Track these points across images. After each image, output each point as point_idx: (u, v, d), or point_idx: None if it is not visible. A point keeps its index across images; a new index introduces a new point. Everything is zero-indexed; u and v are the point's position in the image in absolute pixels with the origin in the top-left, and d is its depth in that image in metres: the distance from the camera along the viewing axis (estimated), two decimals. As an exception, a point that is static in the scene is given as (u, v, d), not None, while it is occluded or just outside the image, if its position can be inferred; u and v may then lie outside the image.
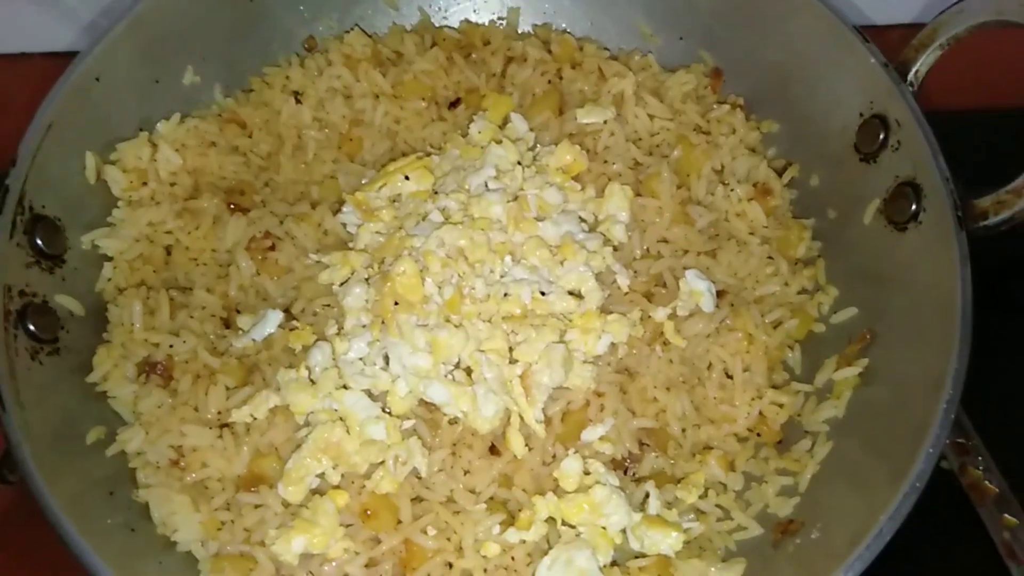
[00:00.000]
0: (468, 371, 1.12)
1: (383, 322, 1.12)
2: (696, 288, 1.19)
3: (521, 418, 1.10)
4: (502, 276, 1.16)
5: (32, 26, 1.59)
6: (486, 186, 1.23)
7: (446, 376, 1.11)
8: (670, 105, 1.34)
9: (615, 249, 1.23)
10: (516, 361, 1.12)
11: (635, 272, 1.22)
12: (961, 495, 1.14)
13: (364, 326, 1.14)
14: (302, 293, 1.19)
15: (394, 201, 1.26)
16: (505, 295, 1.14)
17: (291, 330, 1.15)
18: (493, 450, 1.09)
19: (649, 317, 1.18)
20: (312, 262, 1.21)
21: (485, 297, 1.14)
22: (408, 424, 1.09)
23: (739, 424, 1.17)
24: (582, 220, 1.25)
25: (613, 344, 1.16)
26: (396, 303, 1.11)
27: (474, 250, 1.16)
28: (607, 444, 1.11)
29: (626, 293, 1.20)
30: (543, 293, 1.15)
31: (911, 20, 1.66)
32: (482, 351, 1.11)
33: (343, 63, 1.37)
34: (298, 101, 1.35)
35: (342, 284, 1.18)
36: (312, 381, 1.10)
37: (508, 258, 1.18)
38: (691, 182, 1.28)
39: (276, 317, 1.16)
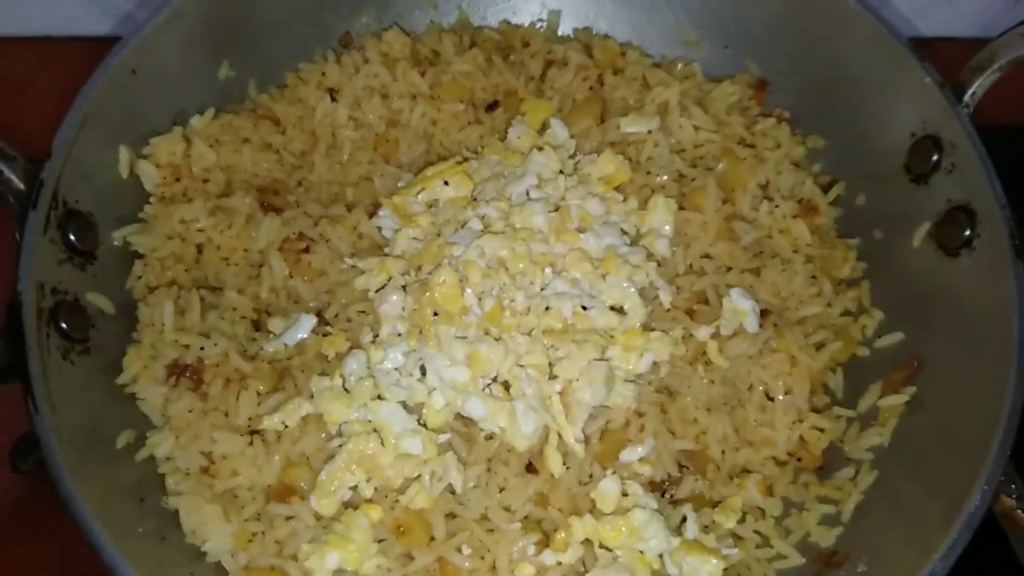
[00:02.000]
0: (506, 385, 1.09)
1: (420, 332, 1.10)
2: (741, 307, 1.16)
3: (559, 436, 1.07)
4: (543, 288, 1.14)
5: (54, 9, 1.56)
6: (527, 195, 1.20)
7: (484, 390, 1.08)
8: (714, 116, 1.31)
9: (658, 264, 1.20)
10: (556, 377, 1.09)
11: (678, 288, 1.19)
12: (994, 525, 1.11)
13: (400, 335, 1.11)
14: (336, 298, 1.17)
15: (431, 207, 1.23)
16: (547, 308, 1.11)
17: (324, 336, 1.13)
18: (530, 468, 1.07)
19: (691, 335, 1.15)
20: (347, 266, 1.19)
21: (525, 310, 1.11)
22: (444, 438, 1.07)
23: (779, 448, 1.14)
24: (624, 232, 1.22)
25: (655, 363, 1.13)
26: (435, 314, 1.08)
27: (515, 261, 1.13)
28: (646, 466, 1.09)
29: (668, 310, 1.17)
30: (584, 308, 1.12)
31: (959, 34, 1.64)
32: (522, 366, 1.08)
33: (380, 61, 1.34)
34: (333, 99, 1.32)
35: (378, 291, 1.16)
36: (346, 390, 1.08)
37: (549, 270, 1.15)
38: (736, 197, 1.25)
39: (309, 322, 1.13)
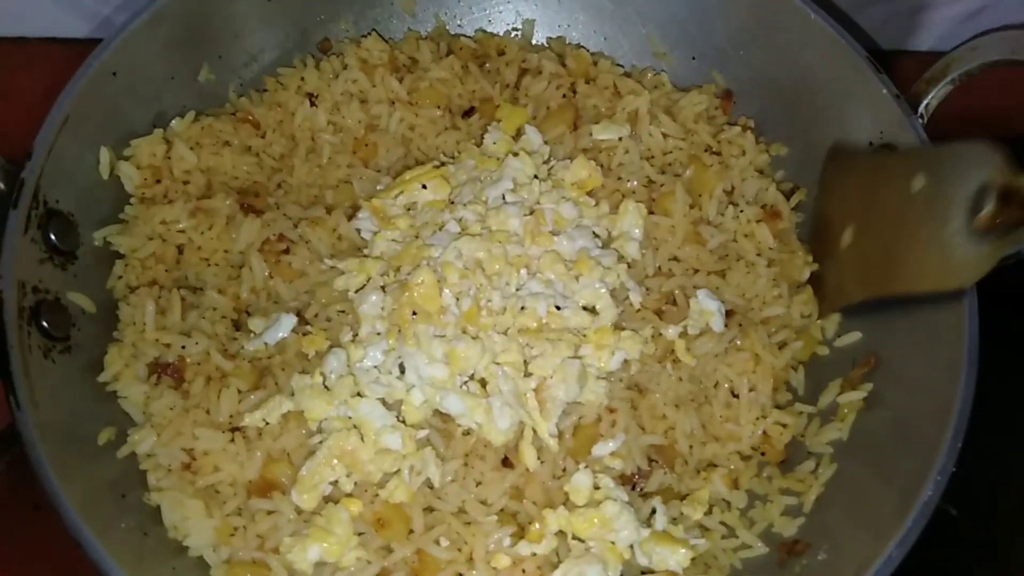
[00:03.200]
0: (483, 383, 1.12)
1: (399, 331, 1.12)
2: (707, 308, 1.21)
3: (534, 431, 1.11)
4: (518, 289, 1.17)
5: (29, 10, 1.56)
6: (503, 199, 1.24)
7: (462, 387, 1.11)
8: (682, 125, 1.36)
9: (628, 266, 1.24)
10: (531, 375, 1.12)
11: (647, 289, 1.24)
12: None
13: (379, 334, 1.14)
14: (316, 298, 1.19)
15: (409, 209, 1.26)
16: (522, 308, 1.15)
17: (304, 335, 1.15)
18: (506, 462, 1.10)
19: (660, 335, 1.20)
20: (327, 267, 1.21)
21: (501, 310, 1.14)
22: (422, 434, 1.09)
23: (743, 443, 1.18)
24: (596, 236, 1.26)
25: (626, 360, 1.17)
26: (414, 313, 1.11)
27: (491, 262, 1.16)
28: (617, 460, 1.13)
29: (638, 310, 1.21)
30: (558, 307, 1.16)
31: (918, 48, 1.70)
32: (498, 363, 1.11)
33: (359, 67, 1.37)
34: (313, 104, 1.34)
35: (357, 291, 1.18)
36: (327, 388, 1.10)
37: (524, 271, 1.19)
38: (703, 202, 1.30)
39: (289, 321, 1.15)
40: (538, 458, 1.10)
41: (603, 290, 1.19)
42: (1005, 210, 0.93)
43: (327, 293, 1.19)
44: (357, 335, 1.15)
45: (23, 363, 0.98)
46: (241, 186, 1.28)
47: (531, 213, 1.22)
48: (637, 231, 1.26)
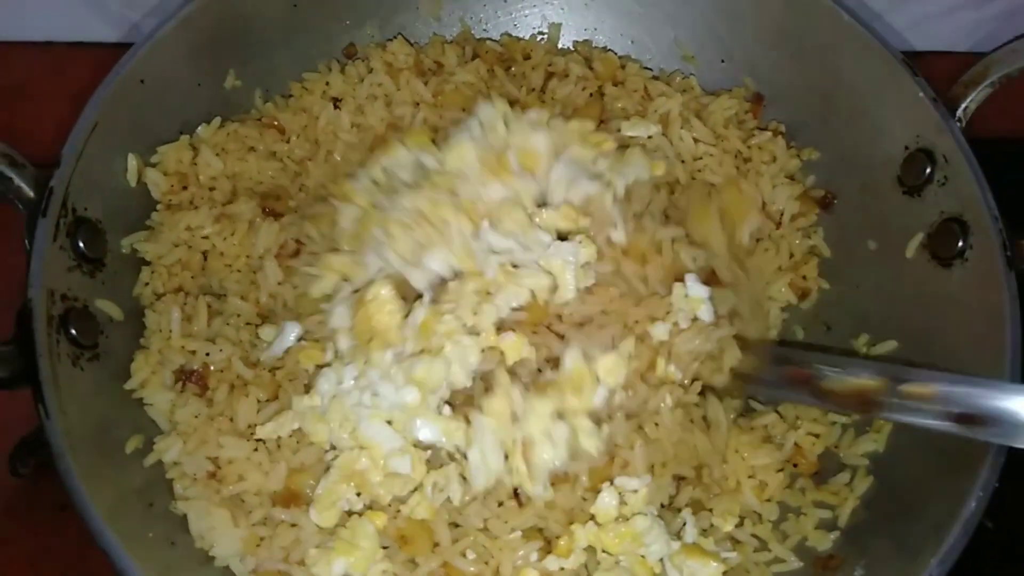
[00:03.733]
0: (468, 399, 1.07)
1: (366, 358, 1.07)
2: (695, 295, 1.11)
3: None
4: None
5: (55, 14, 1.57)
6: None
7: (437, 408, 1.06)
8: (712, 129, 1.34)
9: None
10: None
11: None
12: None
13: (348, 359, 1.08)
14: (301, 307, 1.17)
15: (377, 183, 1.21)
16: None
17: (301, 349, 1.11)
18: (517, 495, 1.06)
19: (645, 339, 1.10)
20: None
21: (454, 277, 1.07)
22: (430, 453, 1.06)
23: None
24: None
25: (610, 391, 1.08)
26: (371, 339, 1.06)
27: (436, 211, 1.08)
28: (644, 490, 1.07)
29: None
30: (515, 266, 1.08)
31: (952, 49, 1.67)
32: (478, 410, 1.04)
33: (384, 71, 1.36)
34: (336, 107, 1.33)
35: (329, 298, 1.13)
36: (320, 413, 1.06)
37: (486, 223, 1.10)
38: (736, 228, 1.27)
39: (294, 329, 1.12)
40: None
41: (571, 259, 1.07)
42: None
43: (307, 303, 1.15)
44: (337, 352, 1.10)
45: (52, 371, 0.97)
46: (264, 191, 1.27)
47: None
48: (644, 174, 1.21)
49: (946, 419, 0.98)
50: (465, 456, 1.05)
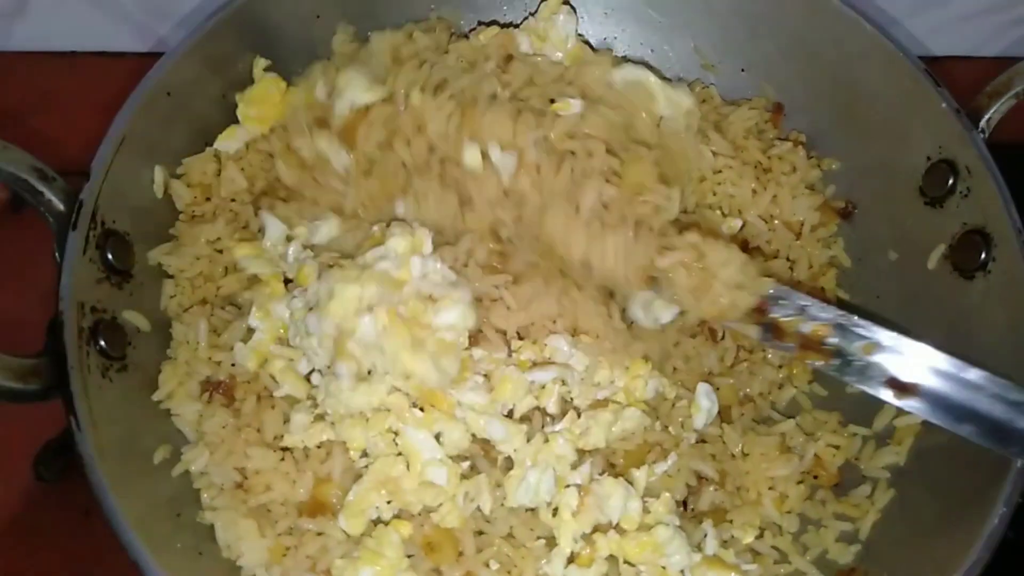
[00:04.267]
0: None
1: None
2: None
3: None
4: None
5: (82, 25, 1.59)
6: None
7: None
8: (732, 141, 1.33)
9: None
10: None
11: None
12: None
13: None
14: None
15: None
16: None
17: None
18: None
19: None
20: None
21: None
22: (466, 465, 1.08)
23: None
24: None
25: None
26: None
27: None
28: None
29: None
30: None
31: (972, 54, 1.66)
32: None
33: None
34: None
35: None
36: (366, 417, 1.08)
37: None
38: None
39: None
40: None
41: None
42: None
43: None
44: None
45: (83, 383, 0.99)
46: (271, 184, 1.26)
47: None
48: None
49: (880, 384, 1.03)
50: (509, 467, 1.07)
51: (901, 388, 1.04)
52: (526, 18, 1.43)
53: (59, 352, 0.99)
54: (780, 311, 1.10)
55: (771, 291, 1.10)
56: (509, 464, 1.09)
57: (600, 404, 1.12)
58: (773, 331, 1.10)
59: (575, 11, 1.39)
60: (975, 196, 1.16)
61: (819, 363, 1.09)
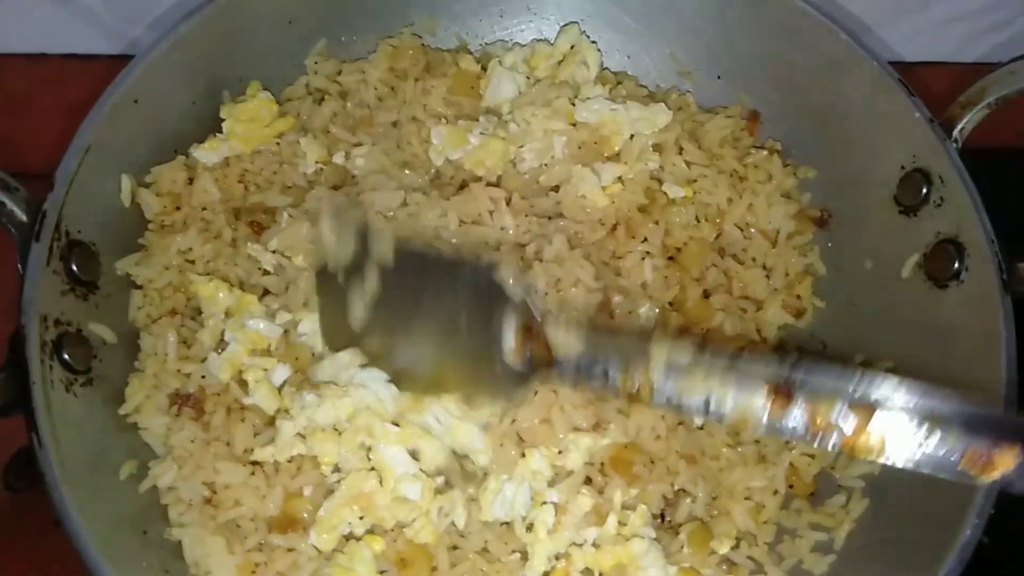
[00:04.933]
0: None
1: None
2: None
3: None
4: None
5: (50, 27, 1.56)
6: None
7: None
8: (708, 150, 1.33)
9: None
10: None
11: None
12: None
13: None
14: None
15: None
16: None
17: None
18: None
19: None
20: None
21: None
22: (440, 480, 1.07)
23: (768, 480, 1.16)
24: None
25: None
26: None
27: None
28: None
29: None
30: None
31: (943, 59, 1.67)
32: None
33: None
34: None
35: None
36: (338, 431, 1.06)
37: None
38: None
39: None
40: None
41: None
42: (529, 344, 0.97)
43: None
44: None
45: (46, 399, 0.97)
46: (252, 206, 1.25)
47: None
48: None
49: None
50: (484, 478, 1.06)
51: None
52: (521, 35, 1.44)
53: (21, 367, 0.96)
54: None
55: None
56: (484, 477, 1.08)
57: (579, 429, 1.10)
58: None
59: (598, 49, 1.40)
60: (948, 206, 1.16)
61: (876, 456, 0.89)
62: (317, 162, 1.28)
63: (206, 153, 1.26)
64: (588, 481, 1.09)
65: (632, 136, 1.29)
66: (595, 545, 1.06)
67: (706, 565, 1.09)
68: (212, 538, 1.01)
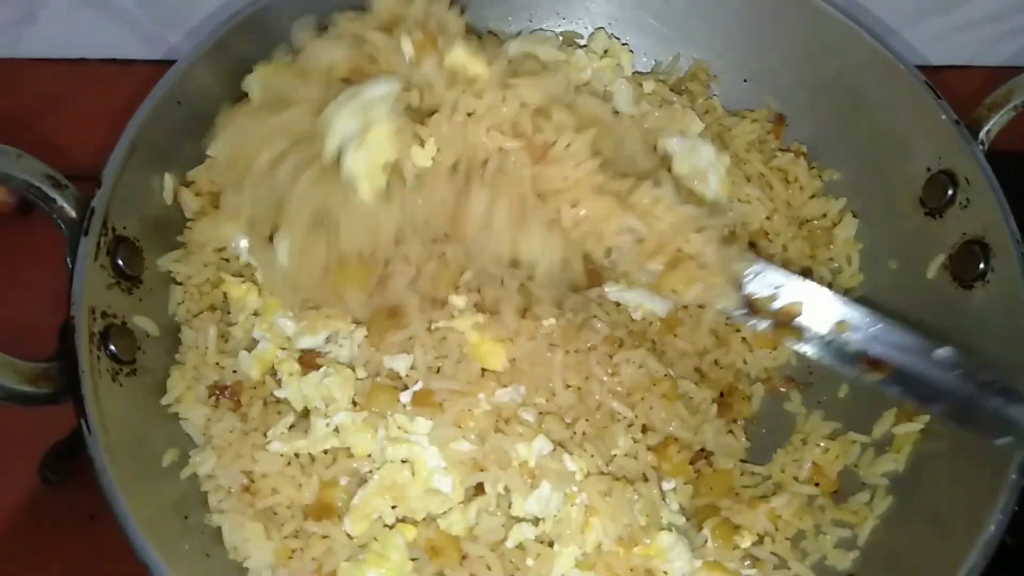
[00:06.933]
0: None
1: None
2: None
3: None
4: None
5: (90, 32, 1.61)
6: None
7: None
8: (734, 154, 1.35)
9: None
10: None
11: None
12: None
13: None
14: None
15: None
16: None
17: None
18: None
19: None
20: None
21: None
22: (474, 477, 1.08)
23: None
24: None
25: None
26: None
27: None
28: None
29: None
30: None
31: (971, 63, 1.68)
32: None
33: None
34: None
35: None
36: (373, 425, 1.09)
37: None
38: None
39: None
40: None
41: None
42: None
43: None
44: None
45: (93, 387, 1.00)
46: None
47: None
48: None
49: (852, 361, 1.08)
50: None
51: (872, 364, 1.08)
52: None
53: (71, 356, 1.00)
54: (755, 287, 1.12)
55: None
56: (521, 472, 1.09)
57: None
58: (748, 306, 1.13)
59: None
60: (974, 207, 1.17)
61: (793, 342, 1.13)
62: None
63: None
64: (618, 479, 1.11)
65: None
66: (622, 540, 1.08)
67: (730, 559, 1.11)
68: (251, 524, 1.04)
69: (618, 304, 1.21)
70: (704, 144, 1.28)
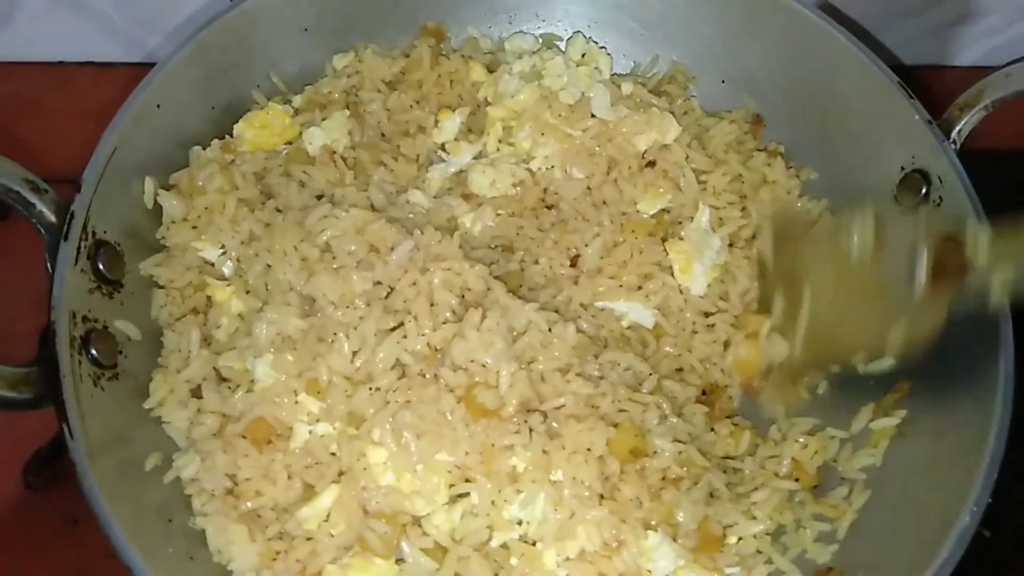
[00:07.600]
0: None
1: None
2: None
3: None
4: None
5: (69, 35, 1.60)
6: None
7: None
8: (712, 155, 1.37)
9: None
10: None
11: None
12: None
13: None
14: None
15: None
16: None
17: None
18: None
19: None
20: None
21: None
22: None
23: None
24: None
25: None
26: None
27: None
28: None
29: None
30: None
31: (946, 63, 1.71)
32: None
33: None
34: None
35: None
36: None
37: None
38: None
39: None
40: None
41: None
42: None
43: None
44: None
45: (75, 392, 1.00)
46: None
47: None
48: None
49: None
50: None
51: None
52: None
53: (51, 361, 1.00)
54: None
55: None
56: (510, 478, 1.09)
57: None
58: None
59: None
60: (947, 205, 1.20)
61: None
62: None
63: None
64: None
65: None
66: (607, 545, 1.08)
67: (712, 556, 1.12)
68: (234, 527, 1.04)
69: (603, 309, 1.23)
70: (713, 237, 1.31)
